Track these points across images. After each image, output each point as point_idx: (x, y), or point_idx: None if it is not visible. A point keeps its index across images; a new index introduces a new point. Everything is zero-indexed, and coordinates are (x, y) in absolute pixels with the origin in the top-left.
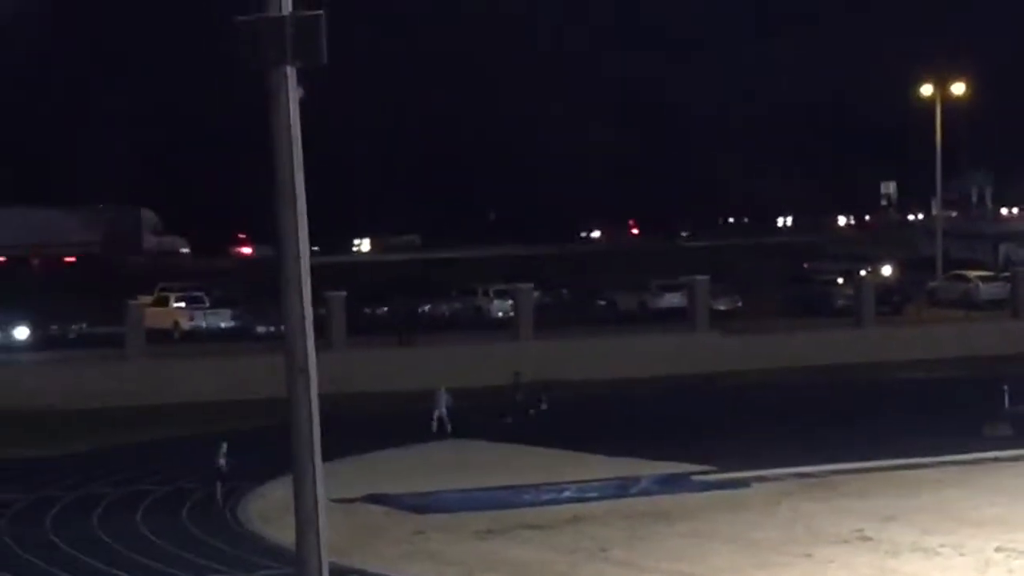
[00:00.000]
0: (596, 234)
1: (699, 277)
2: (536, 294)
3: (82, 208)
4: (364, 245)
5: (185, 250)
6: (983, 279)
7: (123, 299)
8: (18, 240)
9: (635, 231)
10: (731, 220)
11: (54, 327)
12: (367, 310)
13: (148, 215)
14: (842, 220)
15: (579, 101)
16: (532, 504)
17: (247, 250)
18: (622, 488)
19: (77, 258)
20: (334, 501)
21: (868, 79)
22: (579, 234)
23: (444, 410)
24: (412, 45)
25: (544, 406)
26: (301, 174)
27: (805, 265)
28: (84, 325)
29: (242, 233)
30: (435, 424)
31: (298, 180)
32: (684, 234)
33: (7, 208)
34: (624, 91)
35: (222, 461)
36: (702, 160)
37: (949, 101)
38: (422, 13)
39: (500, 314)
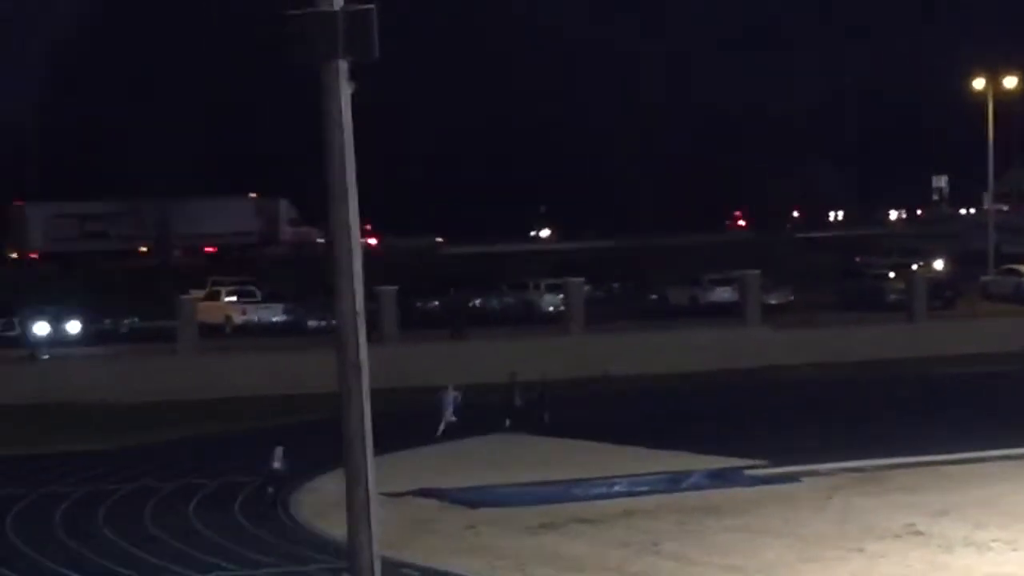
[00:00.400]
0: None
1: (750, 271)
2: (587, 288)
3: (236, 198)
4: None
5: (321, 240)
6: None
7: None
8: (182, 230)
9: (741, 222)
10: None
11: (106, 321)
12: (419, 304)
13: (285, 205)
14: (894, 214)
15: (630, 93)
16: (584, 498)
17: (372, 240)
18: (673, 482)
19: (217, 248)
20: (386, 495)
21: (920, 73)
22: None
23: (450, 411)
24: (467, 39)
25: (546, 406)
26: (353, 169)
27: (857, 259)
28: (136, 319)
29: (368, 224)
30: (442, 427)
31: (350, 175)
32: (730, 221)
33: (189, 199)
34: (676, 85)
35: (277, 464)
36: (753, 153)
37: (1001, 95)
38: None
39: (551, 308)
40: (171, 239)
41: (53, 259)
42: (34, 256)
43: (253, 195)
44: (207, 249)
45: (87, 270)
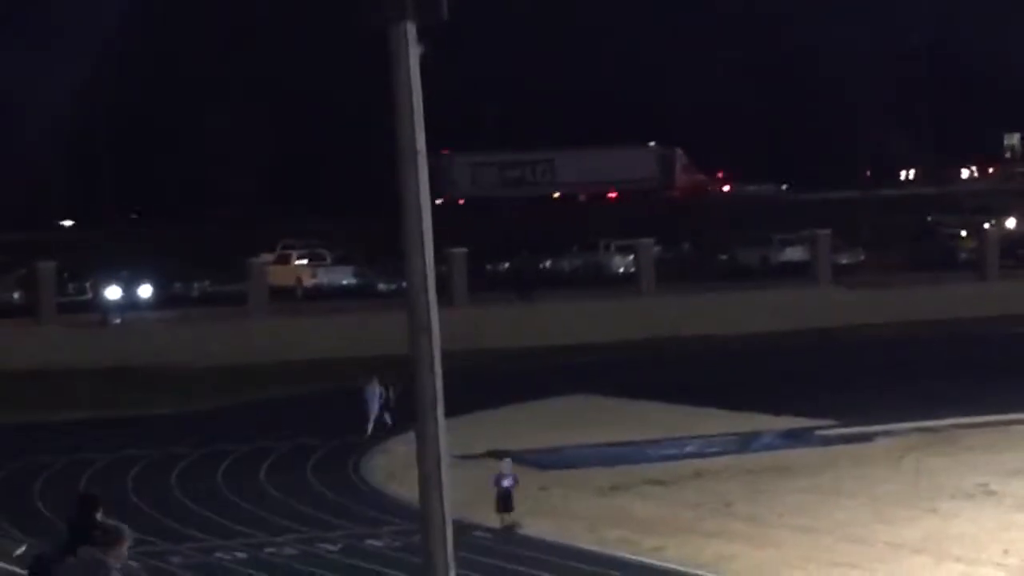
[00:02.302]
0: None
1: (821, 231)
2: (657, 249)
3: (635, 147)
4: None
5: (726, 188)
6: None
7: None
8: (588, 178)
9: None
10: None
11: (178, 285)
12: (489, 266)
13: (679, 154)
14: (965, 173)
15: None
16: (655, 459)
17: (726, 188)
18: (744, 443)
19: (619, 194)
20: (457, 457)
21: (993, 29)
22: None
23: (378, 407)
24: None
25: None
26: (422, 132)
27: (928, 218)
28: (208, 283)
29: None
30: (371, 426)
31: (419, 138)
32: (784, 186)
33: (596, 149)
34: (743, 40)
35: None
36: (823, 112)
37: None
38: None
39: (621, 270)
40: (578, 185)
41: (476, 204)
42: (460, 202)
43: (652, 144)
44: (610, 195)
45: (507, 214)
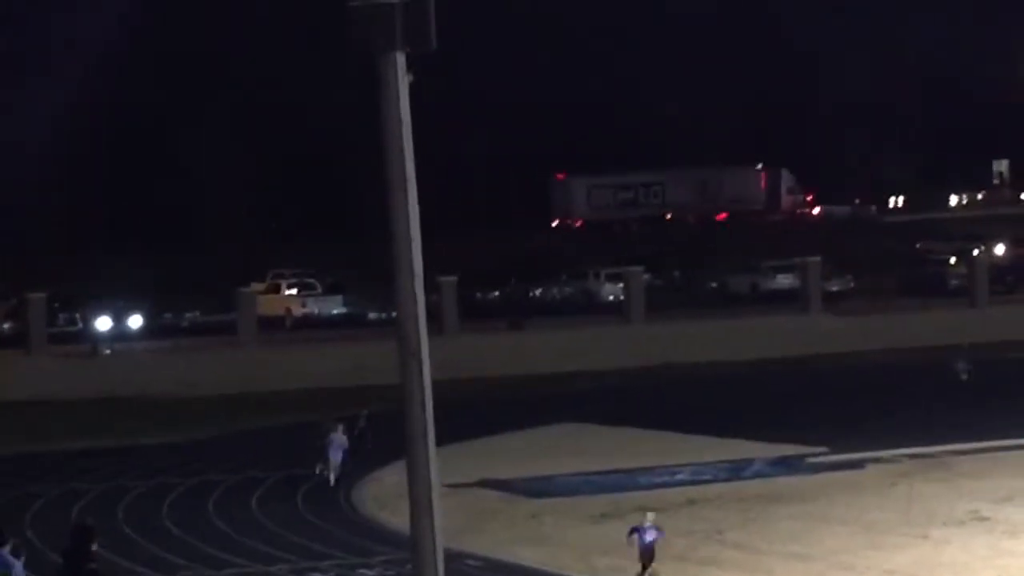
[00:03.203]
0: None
1: (811, 258)
2: (647, 277)
3: (743, 168)
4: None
5: (816, 210)
6: None
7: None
8: (697, 199)
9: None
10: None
11: (167, 315)
12: (479, 295)
13: (785, 174)
14: (954, 199)
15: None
16: (647, 487)
17: (816, 210)
18: (736, 470)
19: (727, 215)
20: (448, 486)
21: (980, 54)
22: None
23: (340, 456)
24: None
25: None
26: (411, 160)
27: (918, 245)
28: (197, 313)
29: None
30: (334, 476)
31: (408, 166)
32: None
33: (706, 168)
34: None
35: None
36: (816, 138)
37: None
38: None
39: (611, 297)
40: (688, 206)
41: (593, 226)
42: (578, 223)
43: (759, 166)
44: (719, 216)
45: (623, 233)
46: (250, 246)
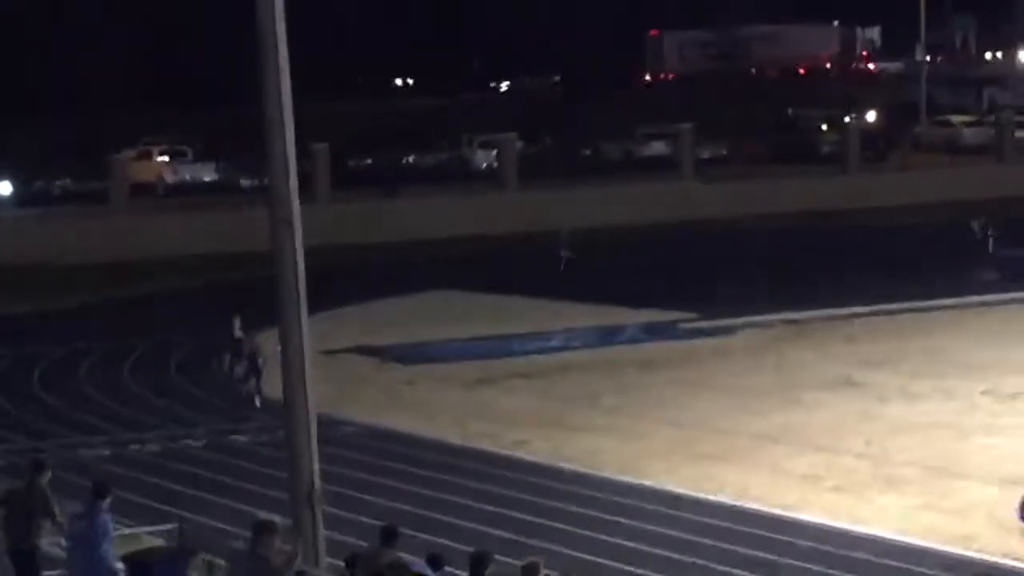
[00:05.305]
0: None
1: (684, 125)
2: (520, 144)
3: (821, 25)
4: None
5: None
6: (967, 124)
7: None
8: (779, 54)
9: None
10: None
11: (38, 182)
12: (351, 162)
13: (860, 33)
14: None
15: None
16: (521, 353)
17: (871, 65)
18: (609, 336)
19: (807, 70)
20: (322, 353)
21: None
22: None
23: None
24: None
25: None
26: (283, 20)
27: (789, 111)
28: (69, 180)
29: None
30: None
31: (279, 26)
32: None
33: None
34: None
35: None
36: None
37: None
38: None
39: (484, 165)
40: (759, 59)
41: (683, 80)
42: (669, 77)
43: (836, 23)
44: (800, 70)
45: (710, 87)
46: (122, 113)
